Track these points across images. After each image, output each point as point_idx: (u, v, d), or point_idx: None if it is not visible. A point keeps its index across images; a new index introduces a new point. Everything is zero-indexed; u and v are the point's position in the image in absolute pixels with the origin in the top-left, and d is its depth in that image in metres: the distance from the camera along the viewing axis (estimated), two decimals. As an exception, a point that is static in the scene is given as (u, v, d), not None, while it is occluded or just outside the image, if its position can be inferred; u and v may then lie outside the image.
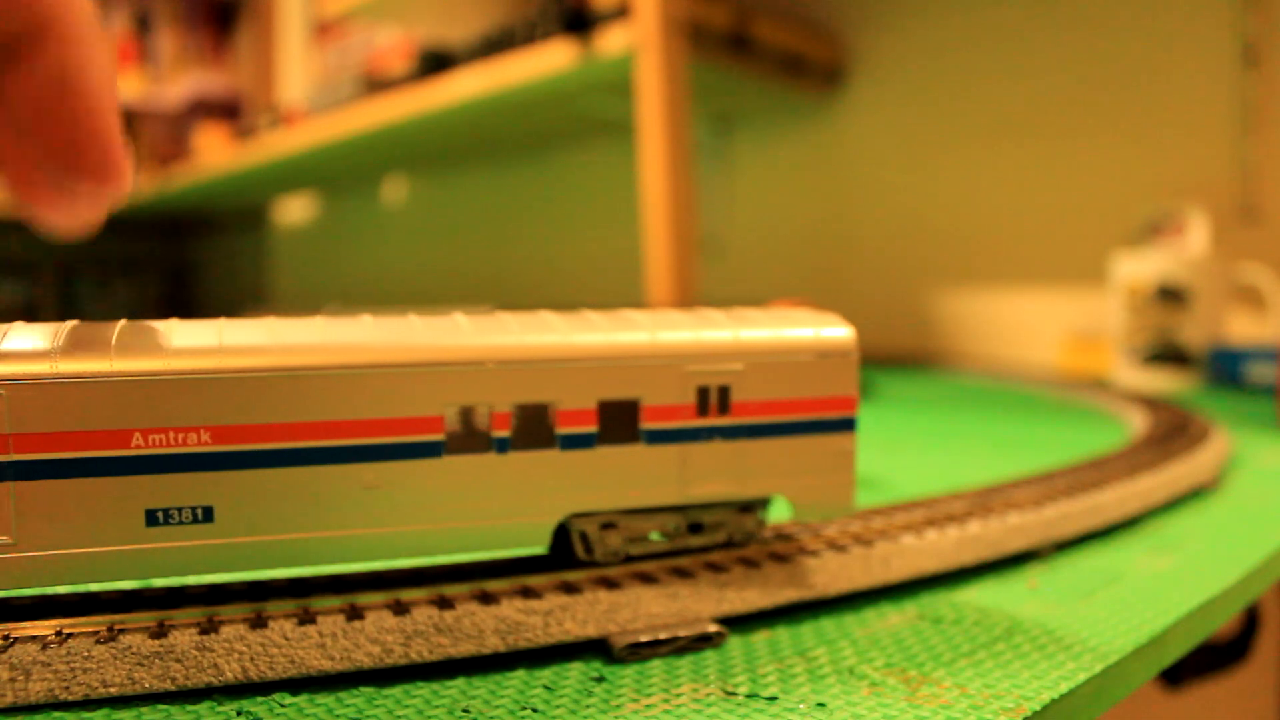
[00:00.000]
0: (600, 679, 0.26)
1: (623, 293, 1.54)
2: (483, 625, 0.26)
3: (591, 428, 0.28)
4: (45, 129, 0.20)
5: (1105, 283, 1.07)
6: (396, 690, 0.25)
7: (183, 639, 0.24)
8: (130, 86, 2.39)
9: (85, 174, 0.20)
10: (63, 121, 0.20)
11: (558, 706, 0.24)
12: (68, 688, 0.23)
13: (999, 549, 0.36)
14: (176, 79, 2.36)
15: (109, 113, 0.21)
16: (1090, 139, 1.20)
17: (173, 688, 0.24)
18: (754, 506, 0.31)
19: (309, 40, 2.24)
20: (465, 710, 0.24)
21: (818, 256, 1.51)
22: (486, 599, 0.27)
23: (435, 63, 1.38)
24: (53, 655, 0.23)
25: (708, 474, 0.29)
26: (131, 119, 2.43)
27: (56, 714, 0.23)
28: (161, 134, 2.42)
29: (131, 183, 0.21)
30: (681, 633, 0.28)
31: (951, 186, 1.35)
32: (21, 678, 0.22)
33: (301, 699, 0.24)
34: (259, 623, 0.25)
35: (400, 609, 0.26)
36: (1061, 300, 1.24)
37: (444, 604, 0.26)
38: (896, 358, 1.32)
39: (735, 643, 0.29)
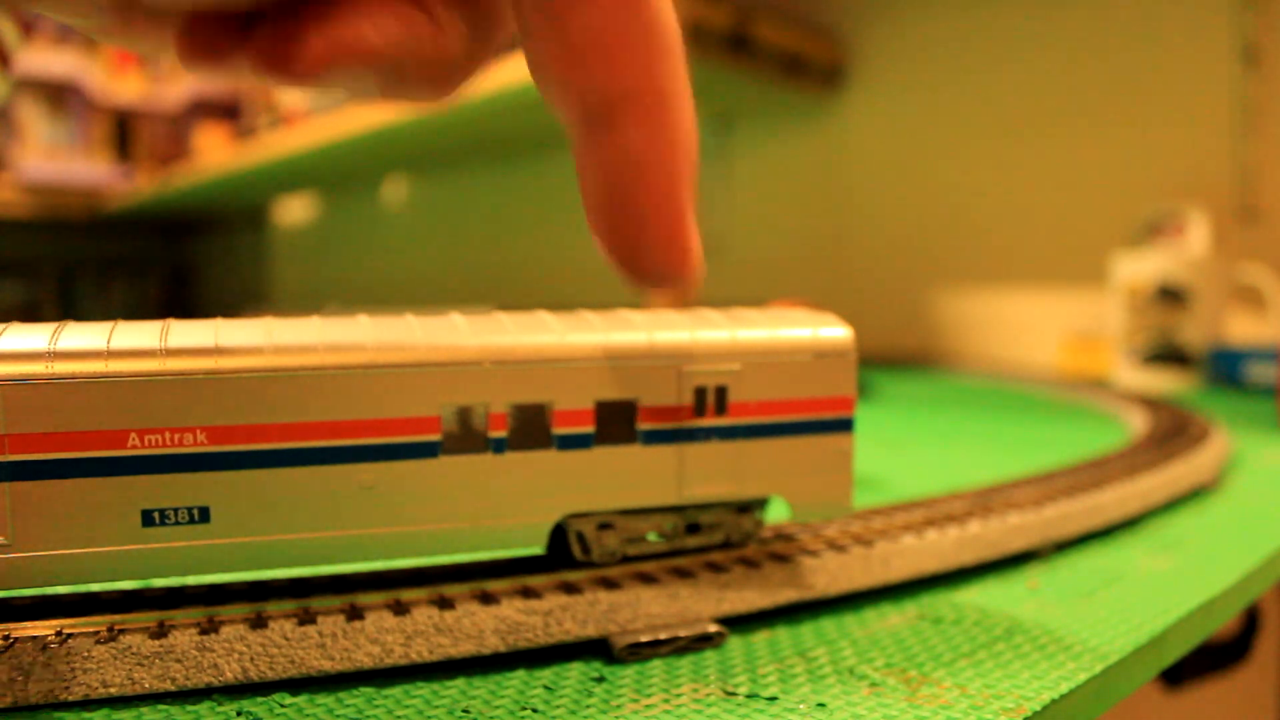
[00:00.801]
0: (600, 679, 0.26)
1: (622, 293, 1.54)
2: (483, 625, 0.26)
3: (588, 428, 0.28)
4: (611, 214, 0.19)
5: (1105, 283, 1.07)
6: (396, 690, 0.25)
7: (183, 639, 0.24)
8: (130, 87, 2.39)
9: (646, 271, 0.19)
10: (629, 210, 0.19)
11: (558, 706, 0.24)
12: (68, 688, 0.23)
13: (999, 549, 0.36)
14: (176, 79, 2.36)
15: (681, 203, 0.19)
16: (1090, 139, 1.20)
17: (173, 688, 0.24)
18: (752, 507, 0.31)
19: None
20: (465, 710, 0.24)
21: (817, 256, 1.51)
22: (486, 599, 0.27)
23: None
24: (53, 655, 0.23)
25: (705, 474, 0.29)
26: (132, 119, 2.43)
27: (56, 714, 0.23)
28: (161, 134, 2.42)
29: (699, 276, 0.20)
30: (681, 633, 0.28)
31: (951, 186, 1.35)
32: (21, 678, 0.22)
33: (301, 699, 0.24)
34: (259, 623, 0.25)
35: (400, 609, 0.26)
36: (1061, 300, 1.24)
37: (444, 604, 0.26)
38: (896, 358, 1.32)
39: (735, 643, 0.29)
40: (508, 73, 1.24)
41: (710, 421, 0.29)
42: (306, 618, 0.25)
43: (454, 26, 0.20)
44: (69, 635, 0.23)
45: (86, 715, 0.23)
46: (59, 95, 2.32)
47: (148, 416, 0.23)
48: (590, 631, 0.27)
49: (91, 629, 0.24)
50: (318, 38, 0.18)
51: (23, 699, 0.22)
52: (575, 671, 0.26)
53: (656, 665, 0.27)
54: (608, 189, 0.19)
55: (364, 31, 0.19)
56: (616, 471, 0.28)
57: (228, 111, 2.30)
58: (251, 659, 0.24)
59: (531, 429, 0.27)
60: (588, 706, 0.24)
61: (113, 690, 0.23)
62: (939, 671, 0.26)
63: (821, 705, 0.24)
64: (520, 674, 0.26)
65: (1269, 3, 1.05)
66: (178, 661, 0.24)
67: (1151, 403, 0.77)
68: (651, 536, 0.30)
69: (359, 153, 1.81)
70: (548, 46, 0.19)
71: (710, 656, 0.27)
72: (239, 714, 0.23)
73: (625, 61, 0.18)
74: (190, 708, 0.23)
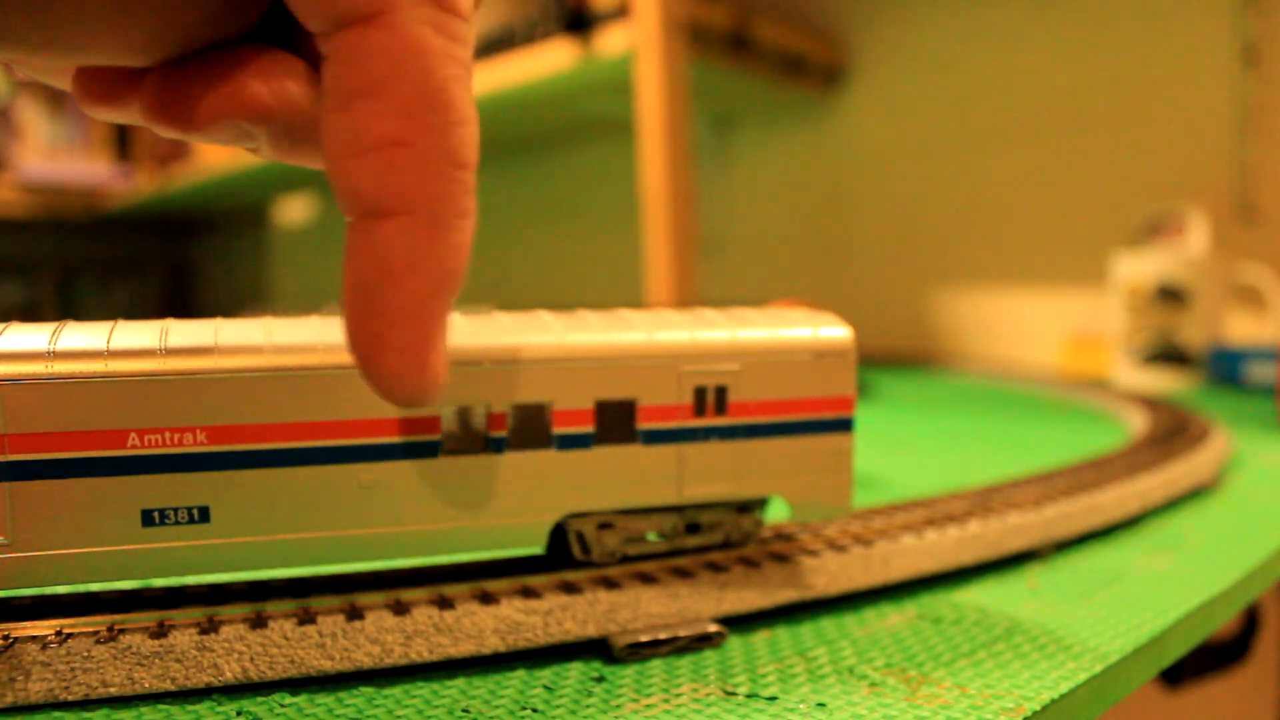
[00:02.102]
0: (600, 679, 0.26)
1: (622, 292, 1.54)
2: (483, 625, 0.26)
3: (588, 428, 0.28)
4: (356, 316, 0.18)
5: (1105, 283, 1.07)
6: (396, 690, 0.25)
7: (183, 639, 0.24)
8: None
9: (379, 382, 0.19)
10: (373, 318, 0.18)
11: (558, 706, 0.24)
12: (68, 688, 0.23)
13: (999, 549, 0.36)
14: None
15: (427, 325, 0.18)
16: (1090, 139, 1.20)
17: (173, 688, 0.24)
18: (751, 507, 0.31)
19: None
20: (465, 710, 0.24)
21: (817, 256, 1.51)
22: (486, 599, 0.27)
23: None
24: (53, 655, 0.23)
25: (705, 474, 0.29)
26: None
27: (56, 714, 0.23)
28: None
29: (432, 393, 0.19)
30: (681, 633, 0.28)
31: (951, 186, 1.35)
32: (21, 678, 0.22)
33: (301, 699, 0.24)
34: (259, 623, 0.25)
35: (400, 609, 0.26)
36: (1061, 300, 1.24)
37: (444, 604, 0.26)
38: (896, 358, 1.32)
39: (735, 643, 0.29)
40: (507, 73, 1.24)
41: (710, 421, 0.29)
42: (306, 618, 0.25)
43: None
44: (69, 635, 0.23)
45: (86, 715, 0.23)
46: (59, 95, 2.32)
47: (148, 416, 0.23)
48: (590, 631, 0.27)
49: (91, 629, 0.24)
50: (210, 92, 0.19)
51: (23, 699, 0.22)
52: (575, 671, 0.26)
53: (656, 665, 0.27)
54: (357, 291, 0.18)
55: (256, 90, 0.19)
56: (616, 471, 0.28)
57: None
58: (251, 659, 0.24)
59: (531, 429, 0.27)
60: (588, 706, 0.24)
61: (113, 690, 0.23)
62: (939, 671, 0.26)
63: (821, 705, 0.24)
64: (520, 674, 0.26)
65: (1269, 3, 1.05)
66: (178, 661, 0.24)
67: (1151, 402, 0.77)
68: (651, 536, 0.30)
69: (359, 153, 1.81)
70: (330, 136, 0.18)
71: (710, 656, 0.27)
72: (239, 714, 0.23)
73: (395, 176, 0.18)
74: (190, 708, 0.23)
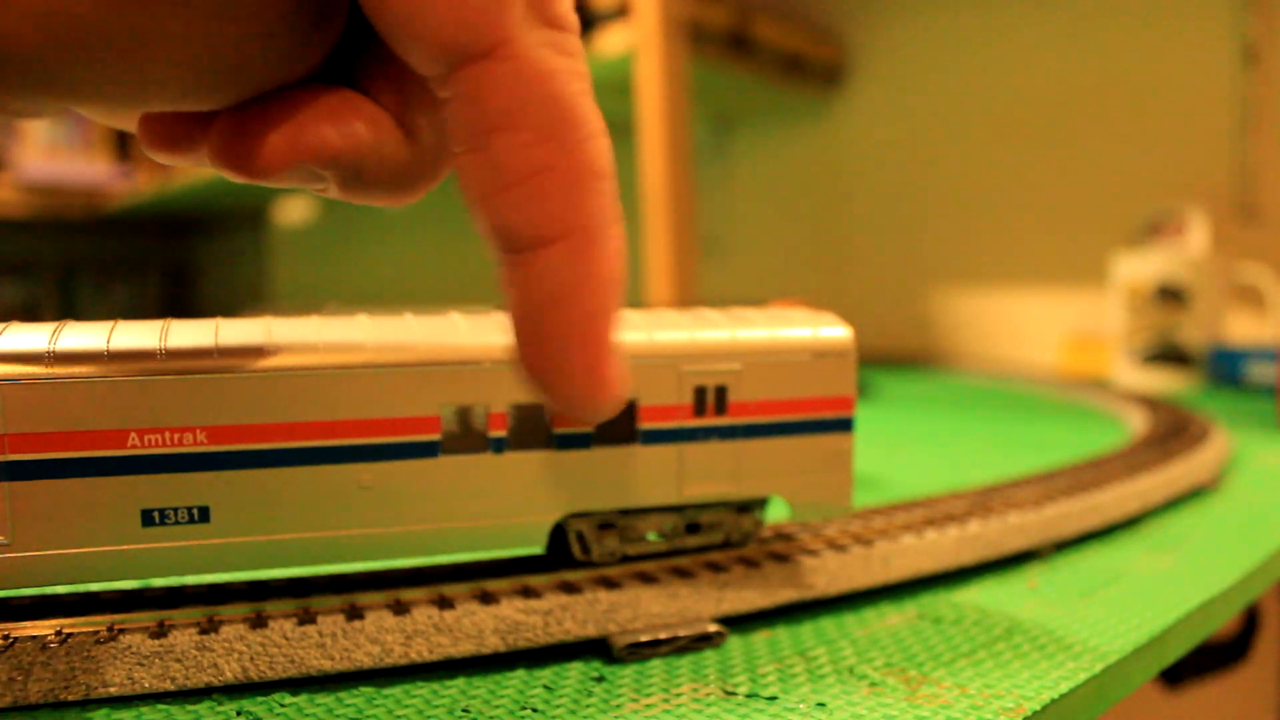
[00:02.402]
0: (600, 679, 0.26)
1: (621, 292, 1.54)
2: (483, 625, 0.26)
3: (588, 428, 0.28)
4: (530, 345, 0.18)
5: (1105, 283, 1.07)
6: (396, 690, 0.25)
7: (183, 639, 0.24)
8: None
9: (564, 403, 0.19)
10: (548, 345, 0.18)
11: (558, 706, 0.24)
12: (68, 688, 0.23)
13: (999, 549, 0.36)
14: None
15: (599, 341, 0.19)
16: (1090, 139, 1.20)
17: (173, 688, 0.24)
18: (751, 507, 0.31)
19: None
20: (465, 710, 0.24)
21: (817, 256, 1.51)
22: (486, 599, 0.27)
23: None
24: (53, 655, 0.23)
25: (705, 474, 0.29)
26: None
27: (56, 714, 0.23)
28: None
29: (616, 403, 0.19)
30: (681, 633, 0.28)
31: (951, 186, 1.35)
32: (21, 678, 0.22)
33: (301, 699, 0.24)
34: (259, 623, 0.25)
35: (400, 609, 0.26)
36: (1061, 300, 1.24)
37: (444, 604, 0.26)
38: (896, 358, 1.32)
39: (735, 643, 0.29)
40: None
41: (710, 421, 0.29)
42: (306, 617, 0.25)
43: (421, 131, 0.20)
44: (69, 635, 0.23)
45: (86, 715, 0.23)
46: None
47: (148, 416, 0.23)
48: (590, 631, 0.27)
49: (91, 629, 0.24)
50: (278, 136, 0.18)
51: (23, 699, 0.22)
52: (575, 671, 0.26)
53: (656, 665, 0.27)
54: (527, 320, 0.18)
55: (325, 134, 0.19)
56: (616, 471, 0.28)
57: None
58: (251, 659, 0.24)
59: (531, 429, 0.27)
60: (588, 706, 0.24)
61: (113, 690, 0.23)
62: (939, 671, 0.26)
63: (821, 705, 0.24)
64: (520, 674, 0.26)
65: (1269, 3, 1.05)
66: (178, 661, 0.24)
67: (1151, 402, 0.77)
68: (651, 536, 0.30)
69: (359, 153, 1.81)
70: (469, 177, 0.18)
71: (710, 656, 0.27)
72: (239, 714, 0.23)
73: (547, 203, 0.18)
74: (190, 707, 0.23)
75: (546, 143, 0.18)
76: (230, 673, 0.24)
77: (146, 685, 0.23)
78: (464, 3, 0.17)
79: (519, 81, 0.17)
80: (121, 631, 0.24)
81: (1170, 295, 0.99)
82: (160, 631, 0.24)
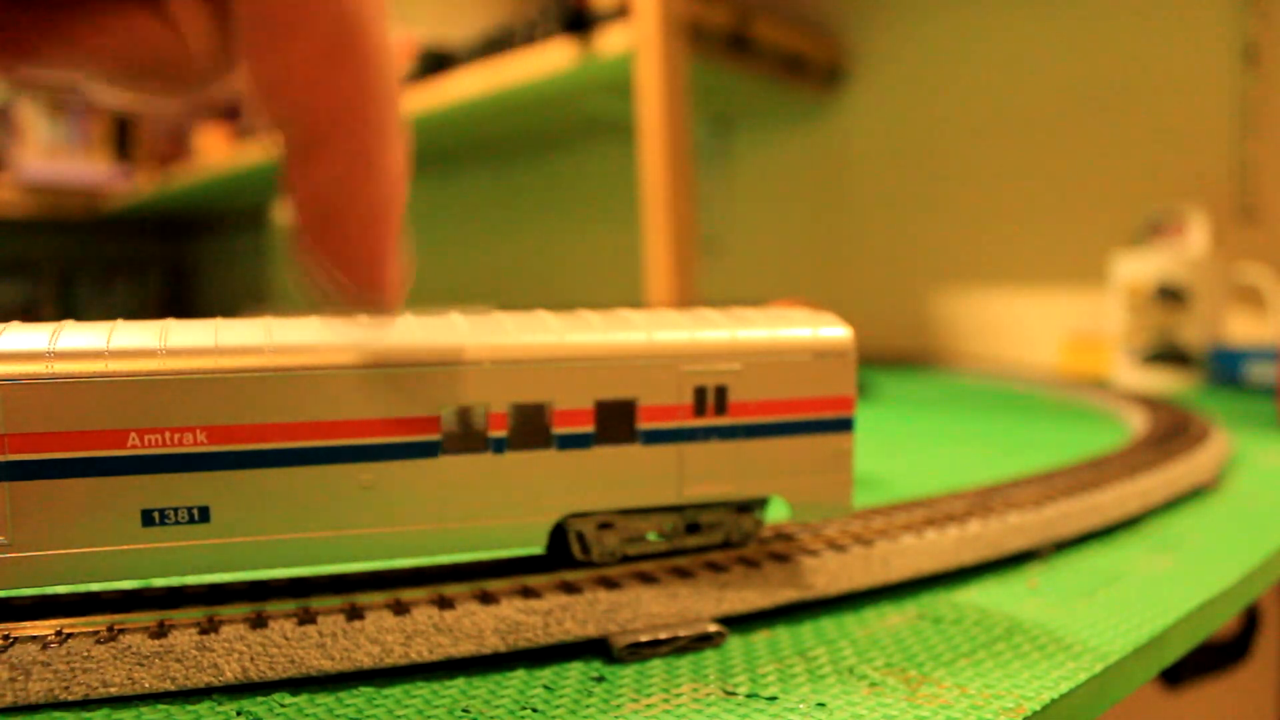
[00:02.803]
0: (600, 679, 0.26)
1: (622, 292, 1.54)
2: (483, 625, 0.26)
3: (588, 428, 0.28)
4: (311, 240, 0.20)
5: (1105, 283, 1.07)
6: (396, 690, 0.25)
7: (183, 639, 0.24)
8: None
9: (343, 296, 0.20)
10: (328, 240, 0.19)
11: (558, 706, 0.24)
12: (68, 688, 0.23)
13: (999, 549, 0.36)
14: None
15: (379, 239, 0.20)
16: (1090, 139, 1.20)
17: (173, 688, 0.24)
18: (751, 507, 0.31)
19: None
20: (465, 710, 0.24)
21: (817, 256, 1.51)
22: (486, 599, 0.27)
23: (435, 63, 1.38)
24: (53, 655, 0.23)
25: (705, 474, 0.29)
26: (131, 119, 2.43)
27: (56, 714, 0.23)
28: (161, 134, 2.42)
29: (400, 298, 0.21)
30: (681, 633, 0.28)
31: (951, 186, 1.35)
32: (21, 678, 0.22)
33: (301, 699, 0.24)
34: (259, 623, 0.25)
35: (400, 609, 0.26)
36: (1061, 300, 1.24)
37: (444, 604, 0.26)
38: (896, 358, 1.32)
39: (735, 643, 0.29)
40: (508, 73, 1.24)
41: (710, 421, 0.29)
42: (306, 618, 0.25)
43: (197, 31, 0.20)
44: (69, 635, 0.23)
45: (86, 715, 0.23)
46: (59, 95, 2.32)
47: (148, 416, 0.23)
48: (590, 631, 0.27)
49: (91, 629, 0.24)
50: (36, 34, 0.19)
51: (23, 699, 0.22)
52: (575, 671, 0.26)
53: (656, 665, 0.27)
54: (309, 216, 0.19)
55: (85, 33, 0.19)
56: (616, 471, 0.28)
57: (228, 111, 2.30)
58: (251, 659, 0.24)
59: (531, 429, 0.27)
60: (588, 706, 0.24)
61: (113, 690, 0.23)
62: (939, 671, 0.26)
63: (821, 705, 0.24)
64: (520, 674, 0.26)
65: (1269, 3, 1.05)
66: (178, 661, 0.24)
67: (1151, 402, 0.77)
68: (651, 536, 0.30)
69: (359, 153, 1.81)
70: (256, 72, 0.19)
71: (710, 656, 0.27)
72: (239, 714, 0.23)
73: (329, 99, 0.19)
74: (190, 708, 0.23)
75: (326, 42, 0.18)
76: (230, 673, 0.24)
77: (146, 685, 0.23)
78: None
79: None
80: (121, 631, 0.24)
81: (1170, 295, 0.99)
82: (160, 631, 0.24)
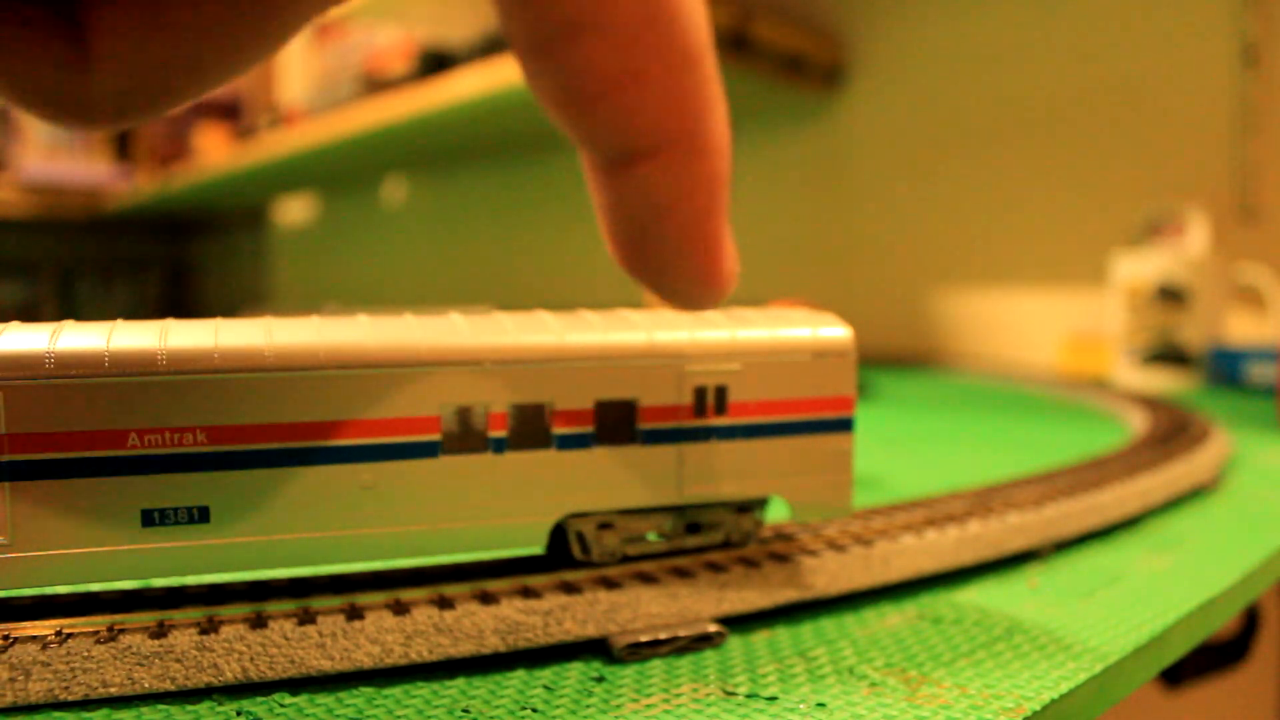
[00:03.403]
0: (600, 679, 0.26)
1: (622, 293, 1.54)
2: (483, 625, 0.26)
3: (588, 428, 0.28)
4: (636, 254, 0.17)
5: (1105, 283, 1.07)
6: (396, 690, 0.25)
7: (183, 639, 0.24)
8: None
9: (679, 302, 0.18)
10: (655, 252, 0.17)
11: (558, 706, 0.24)
12: (68, 688, 0.23)
13: (999, 549, 0.36)
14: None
15: (712, 240, 0.18)
16: (1090, 139, 1.20)
17: (173, 688, 0.24)
18: (751, 507, 0.31)
19: (309, 40, 2.25)
20: (465, 710, 0.24)
21: (817, 256, 1.51)
22: (486, 599, 0.27)
23: (435, 63, 1.38)
24: (53, 655, 0.23)
25: (705, 474, 0.29)
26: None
27: (56, 714, 0.23)
28: (161, 134, 2.42)
29: (729, 292, 0.19)
30: (681, 633, 0.28)
31: (951, 186, 1.35)
32: (21, 678, 0.22)
33: (301, 699, 0.24)
34: (259, 623, 0.25)
35: (400, 609, 0.26)
36: (1061, 300, 1.24)
37: (444, 604, 0.26)
38: (896, 358, 1.32)
39: (735, 643, 0.29)
40: (508, 72, 1.24)
41: (710, 421, 0.29)
42: (306, 618, 0.25)
43: (117, 65, 0.18)
44: (69, 635, 0.23)
45: (86, 715, 0.23)
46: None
47: (148, 416, 0.23)
48: (590, 631, 0.27)
49: (91, 629, 0.24)
50: None
51: (23, 699, 0.22)
52: (575, 671, 0.26)
53: (656, 665, 0.27)
54: (630, 230, 0.17)
55: None
56: (616, 471, 0.28)
57: (228, 111, 2.30)
58: (251, 659, 0.24)
59: (531, 429, 0.27)
60: (588, 706, 0.24)
61: (113, 690, 0.23)
62: (939, 671, 0.26)
63: (821, 705, 0.24)
64: (520, 674, 0.26)
65: (1269, 3, 1.05)
66: (178, 661, 0.24)
67: (1151, 402, 0.77)
68: (651, 536, 0.30)
69: (359, 153, 1.82)
70: (550, 90, 0.16)
71: (710, 656, 0.27)
72: (239, 714, 0.23)
73: (644, 112, 0.16)
74: (190, 708, 0.23)
75: (636, 44, 0.15)
76: (230, 673, 0.24)
77: (146, 685, 0.23)
78: None
79: None
80: (121, 631, 0.24)
81: (1170, 295, 0.99)
82: (160, 631, 0.24)
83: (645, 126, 0.16)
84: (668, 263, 0.18)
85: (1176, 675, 0.48)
